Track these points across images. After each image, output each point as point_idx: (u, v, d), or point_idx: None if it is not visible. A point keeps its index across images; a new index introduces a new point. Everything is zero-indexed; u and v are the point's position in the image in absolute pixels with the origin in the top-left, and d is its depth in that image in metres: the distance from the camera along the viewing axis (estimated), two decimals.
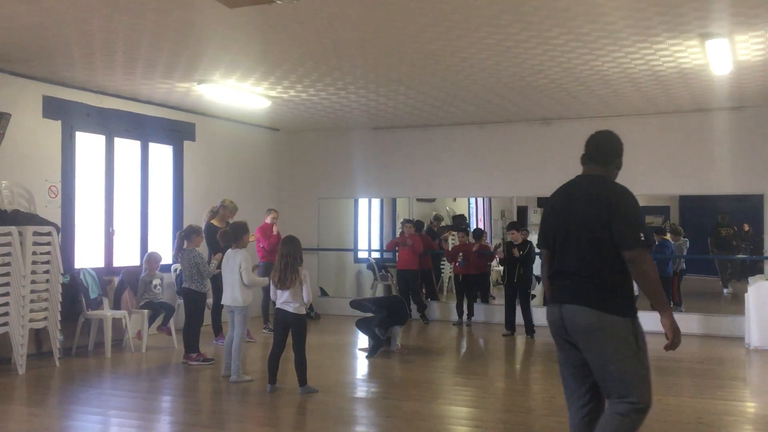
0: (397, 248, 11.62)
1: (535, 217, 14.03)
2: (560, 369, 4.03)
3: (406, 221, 11.94)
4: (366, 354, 8.74)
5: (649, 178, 10.91)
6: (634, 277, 3.72)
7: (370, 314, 8.99)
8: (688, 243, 11.77)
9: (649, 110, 10.56)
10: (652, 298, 3.73)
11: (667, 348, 3.71)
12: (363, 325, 9.00)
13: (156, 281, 9.24)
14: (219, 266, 8.14)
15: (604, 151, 4.01)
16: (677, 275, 11.66)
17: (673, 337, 3.69)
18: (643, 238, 3.66)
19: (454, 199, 14.67)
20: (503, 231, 14.13)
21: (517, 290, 10.37)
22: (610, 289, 3.74)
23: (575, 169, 11.78)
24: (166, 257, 9.73)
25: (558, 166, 11.41)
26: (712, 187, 10.48)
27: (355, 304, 9.38)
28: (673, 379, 7.74)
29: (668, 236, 11.66)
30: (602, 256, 3.74)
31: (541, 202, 14.10)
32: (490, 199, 14.36)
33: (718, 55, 7.15)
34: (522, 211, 12.49)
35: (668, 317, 3.69)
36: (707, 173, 10.48)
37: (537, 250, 10.77)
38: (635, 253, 3.66)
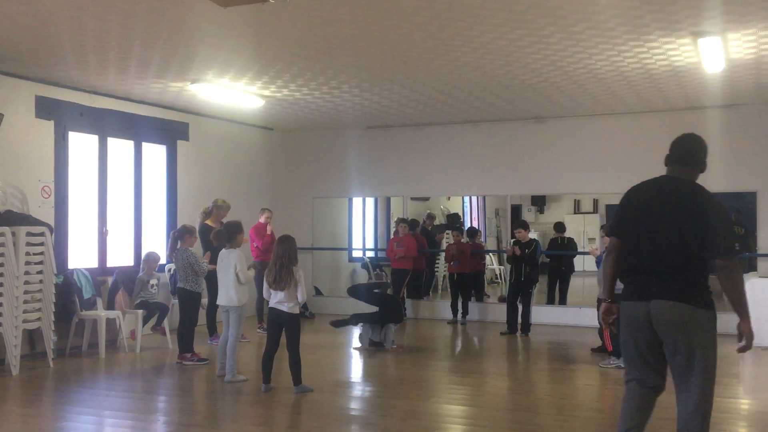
0: (395, 247, 11.60)
1: (529, 216, 14.08)
2: (626, 355, 4.14)
3: (400, 220, 11.95)
4: (335, 323, 9.29)
5: (642, 176, 10.73)
6: (722, 283, 3.85)
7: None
8: None
9: (641, 108, 10.59)
10: (737, 303, 3.85)
11: (743, 350, 3.89)
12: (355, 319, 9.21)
13: (153, 281, 9.23)
14: (209, 263, 8.14)
15: (692, 154, 4.17)
16: None
17: (749, 342, 3.88)
18: (737, 248, 3.79)
19: (449, 198, 14.69)
20: (498, 230, 14.16)
21: (521, 289, 10.37)
22: (696, 284, 3.87)
23: (567, 167, 11.85)
24: (161, 257, 9.71)
25: (551, 164, 11.49)
26: (706, 184, 10.38)
27: (351, 291, 9.62)
28: (668, 377, 7.75)
29: None
30: (690, 255, 3.86)
31: (550, 199, 14.16)
32: (484, 198, 14.38)
33: (711, 53, 7.17)
34: (516, 210, 12.51)
35: (748, 323, 3.87)
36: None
37: (541, 249, 10.88)
38: (728, 263, 3.81)
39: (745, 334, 3.85)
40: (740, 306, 3.85)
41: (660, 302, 3.85)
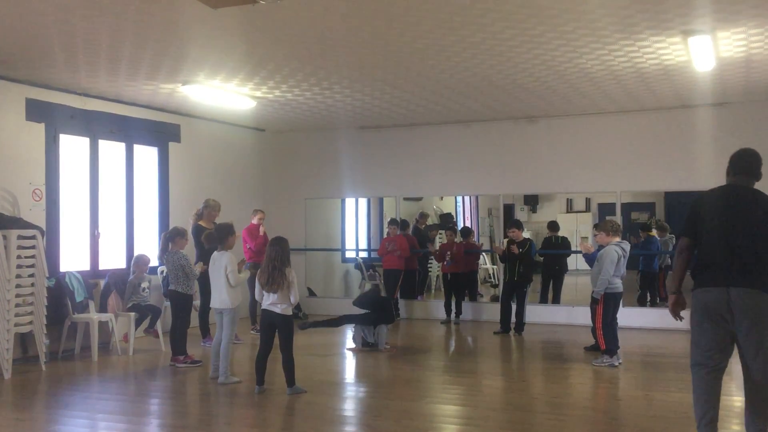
0: (387, 246, 11.59)
1: (522, 215, 14.10)
2: (700, 341, 4.64)
3: (390, 222, 11.95)
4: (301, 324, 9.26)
5: (634, 175, 10.98)
6: None
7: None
8: (674, 239, 11.84)
9: (633, 107, 10.62)
10: None
11: None
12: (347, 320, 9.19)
13: (144, 284, 9.20)
14: (202, 271, 8.14)
15: (755, 166, 4.83)
16: (663, 271, 11.74)
17: None
18: None
19: (441, 198, 14.70)
20: (491, 229, 14.17)
21: (516, 289, 10.37)
22: (765, 273, 4.54)
23: (560, 166, 11.85)
24: (153, 259, 9.69)
25: (544, 163, 11.52)
26: (697, 182, 10.52)
27: (358, 302, 9.50)
28: (660, 374, 7.78)
29: (654, 233, 11.73)
30: (761, 248, 4.54)
31: (543, 198, 14.18)
32: (477, 197, 14.39)
33: (701, 52, 7.19)
34: (509, 209, 12.53)
35: None
36: (691, 169, 10.55)
37: (536, 248, 10.90)
38: None
39: None
40: None
41: (739, 289, 4.49)
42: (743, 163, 4.84)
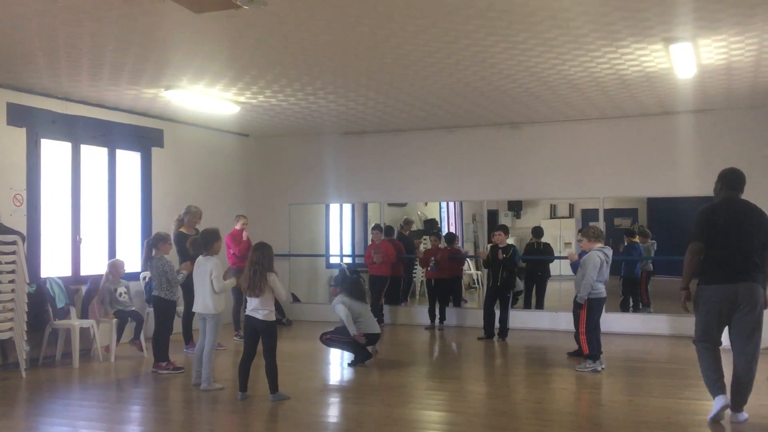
0: (374, 257, 11.55)
1: (506, 221, 14.11)
2: (711, 327, 5.79)
3: (374, 228, 11.95)
4: (351, 363, 8.61)
5: (617, 181, 11.04)
6: (766, 264, 5.73)
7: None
8: (655, 245, 11.92)
9: (615, 113, 10.69)
10: None
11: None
12: (337, 341, 8.74)
13: (122, 289, 9.12)
14: (186, 277, 8.09)
15: (742, 183, 5.94)
16: (645, 277, 11.80)
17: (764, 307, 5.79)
18: None
19: (426, 204, 14.69)
20: (475, 235, 14.19)
21: (499, 294, 10.36)
22: (762, 271, 5.74)
23: (543, 172, 11.94)
24: (135, 265, 9.62)
25: (527, 169, 11.56)
26: (679, 189, 10.62)
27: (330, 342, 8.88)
28: (642, 379, 7.82)
29: (637, 238, 11.79)
30: (759, 248, 5.71)
31: (526, 204, 14.21)
32: (461, 203, 14.41)
33: (682, 59, 7.25)
34: (493, 215, 12.55)
35: None
36: (674, 175, 10.63)
37: (520, 254, 10.91)
38: None
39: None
40: None
41: (746, 284, 5.66)
42: (735, 181, 5.90)
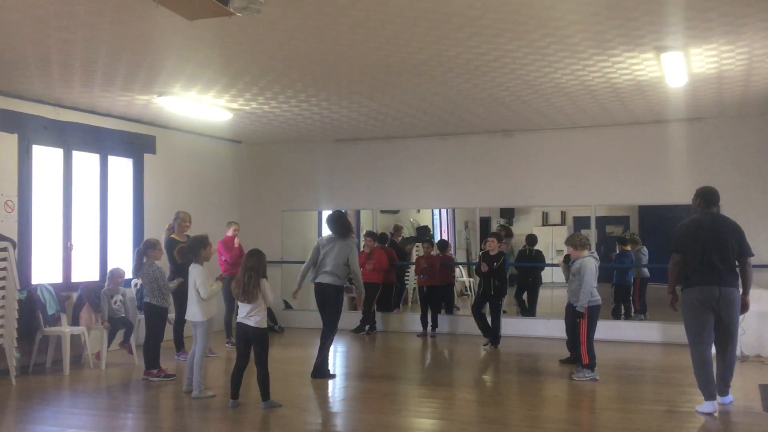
0: (367, 265, 11.53)
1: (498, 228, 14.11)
2: (700, 325, 6.45)
3: (367, 234, 11.94)
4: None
5: (608, 189, 11.08)
6: (745, 271, 6.48)
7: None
8: (645, 250, 11.96)
9: (607, 122, 10.73)
10: (749, 284, 6.53)
11: (742, 312, 6.55)
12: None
13: (117, 297, 9.08)
14: (177, 287, 8.08)
15: (718, 198, 6.71)
16: (638, 283, 11.82)
17: (747, 310, 6.61)
18: (752, 252, 6.56)
19: (418, 211, 14.69)
20: (467, 242, 14.19)
21: (489, 301, 10.35)
22: (738, 276, 6.50)
23: (535, 180, 11.97)
24: (127, 272, 9.57)
25: (519, 177, 11.60)
26: (671, 196, 10.66)
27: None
28: (634, 386, 7.84)
29: (628, 246, 11.82)
30: (734, 257, 6.47)
31: (519, 211, 14.23)
32: (453, 210, 14.42)
33: (674, 68, 7.29)
34: (485, 222, 12.57)
35: (748, 298, 6.58)
36: (665, 183, 10.68)
37: (511, 262, 10.93)
38: (749, 259, 6.51)
39: (746, 304, 6.54)
40: (749, 285, 6.56)
41: (727, 288, 6.39)
42: (712, 198, 6.69)
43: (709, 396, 6.42)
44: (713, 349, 6.54)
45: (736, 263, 6.51)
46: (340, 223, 8.41)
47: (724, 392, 6.63)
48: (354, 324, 11.92)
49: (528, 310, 11.96)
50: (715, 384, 6.47)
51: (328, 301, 8.12)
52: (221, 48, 6.81)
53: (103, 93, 8.64)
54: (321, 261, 8.19)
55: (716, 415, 6.31)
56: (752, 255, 6.55)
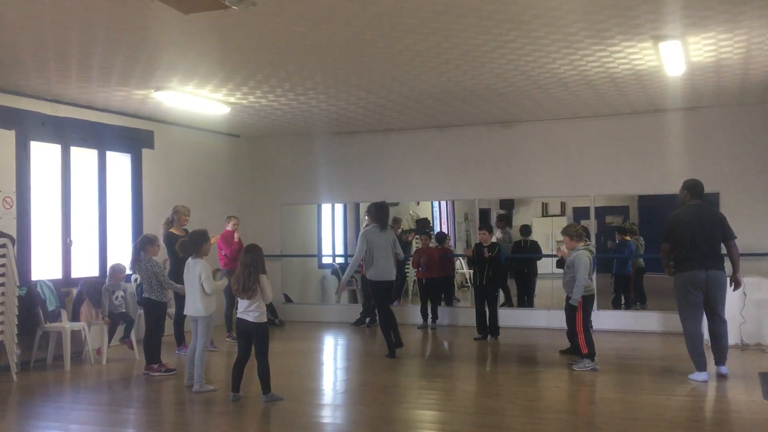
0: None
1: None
2: (691, 304, 7.30)
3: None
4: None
5: (607, 179, 11.08)
6: (731, 252, 7.34)
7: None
8: (642, 240, 11.99)
9: (606, 111, 10.72)
10: (737, 262, 7.39)
11: (735, 289, 7.55)
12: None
13: (119, 292, 9.07)
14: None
15: (703, 190, 7.52)
16: (636, 273, 11.84)
17: (738, 287, 7.56)
18: (735, 235, 7.38)
19: (418, 203, 14.69)
20: (467, 234, 14.20)
21: (486, 293, 10.37)
22: (722, 259, 7.31)
23: (535, 171, 11.97)
24: (126, 267, 9.57)
25: (519, 168, 11.59)
26: (670, 186, 10.61)
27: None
28: (633, 376, 7.85)
29: (628, 236, 11.83)
30: (720, 242, 7.32)
31: (518, 202, 14.24)
32: (453, 202, 14.42)
33: (672, 57, 7.27)
34: (485, 213, 12.57)
35: (739, 276, 7.47)
36: (664, 173, 10.66)
37: (505, 253, 10.94)
38: (733, 241, 7.37)
39: (737, 282, 7.47)
40: (738, 264, 7.41)
41: (713, 271, 7.22)
42: (698, 190, 7.47)
43: (700, 367, 7.25)
44: (705, 328, 7.45)
45: (723, 247, 7.33)
46: (384, 212, 9.16)
47: (721, 361, 7.39)
48: (354, 317, 11.94)
49: (526, 301, 11.98)
50: (704, 356, 7.27)
51: (392, 291, 9.34)
52: (218, 42, 6.79)
53: (101, 88, 8.62)
54: (377, 254, 8.91)
55: (707, 382, 7.17)
56: (735, 237, 7.37)
